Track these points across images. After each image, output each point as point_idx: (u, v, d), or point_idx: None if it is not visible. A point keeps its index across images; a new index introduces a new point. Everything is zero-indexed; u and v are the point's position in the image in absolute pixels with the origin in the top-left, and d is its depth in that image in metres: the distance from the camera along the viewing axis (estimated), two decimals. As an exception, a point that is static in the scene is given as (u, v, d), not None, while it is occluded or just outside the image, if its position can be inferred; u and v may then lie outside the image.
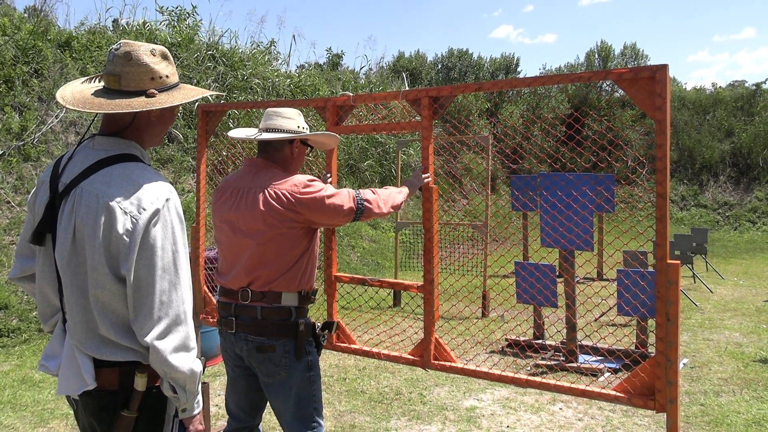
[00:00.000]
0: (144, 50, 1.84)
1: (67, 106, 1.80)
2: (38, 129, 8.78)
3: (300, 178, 2.63)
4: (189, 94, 1.93)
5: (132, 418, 1.77)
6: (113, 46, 1.84)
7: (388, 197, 2.84)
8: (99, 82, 1.90)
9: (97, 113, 1.86)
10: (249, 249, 2.64)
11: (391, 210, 2.85)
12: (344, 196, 2.66)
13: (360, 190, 2.77)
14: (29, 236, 1.83)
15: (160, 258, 1.71)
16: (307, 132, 2.80)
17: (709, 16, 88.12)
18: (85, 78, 1.96)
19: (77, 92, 1.86)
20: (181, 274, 1.76)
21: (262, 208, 2.58)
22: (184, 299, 1.75)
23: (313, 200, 2.59)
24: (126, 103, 1.80)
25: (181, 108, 2.10)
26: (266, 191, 2.59)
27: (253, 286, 2.65)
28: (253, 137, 2.76)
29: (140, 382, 1.77)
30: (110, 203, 1.69)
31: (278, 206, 2.56)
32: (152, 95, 1.84)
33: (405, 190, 2.97)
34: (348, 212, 2.66)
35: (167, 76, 1.89)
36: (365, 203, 2.71)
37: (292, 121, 2.76)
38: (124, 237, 1.69)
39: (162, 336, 1.70)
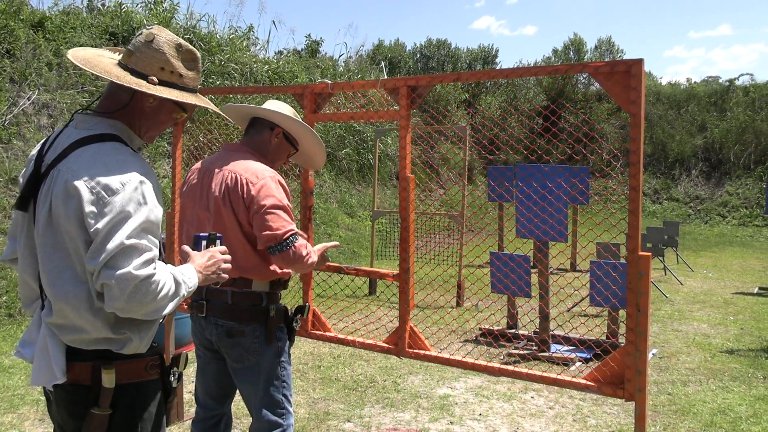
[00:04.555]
0: (168, 40, 1.80)
1: (74, 61, 1.74)
2: (9, 111, 8.60)
3: (262, 172, 2.56)
4: (189, 97, 1.84)
5: (104, 415, 1.70)
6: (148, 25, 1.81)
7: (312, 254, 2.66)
8: (118, 55, 1.85)
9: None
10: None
11: (309, 266, 2.64)
12: (287, 222, 2.53)
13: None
14: (14, 204, 1.77)
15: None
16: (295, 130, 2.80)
17: (685, 12, 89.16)
18: (107, 48, 1.90)
19: (89, 53, 1.81)
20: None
21: (222, 192, 2.57)
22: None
23: (257, 197, 2.52)
24: (126, 78, 1.73)
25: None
26: (228, 173, 2.58)
27: None
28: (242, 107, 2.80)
29: (107, 378, 1.69)
30: (77, 184, 1.62)
31: (238, 193, 2.53)
32: (152, 82, 1.77)
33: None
34: (270, 239, 2.49)
35: (181, 75, 1.82)
36: (294, 244, 2.51)
37: (282, 113, 2.74)
38: (90, 220, 1.60)
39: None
